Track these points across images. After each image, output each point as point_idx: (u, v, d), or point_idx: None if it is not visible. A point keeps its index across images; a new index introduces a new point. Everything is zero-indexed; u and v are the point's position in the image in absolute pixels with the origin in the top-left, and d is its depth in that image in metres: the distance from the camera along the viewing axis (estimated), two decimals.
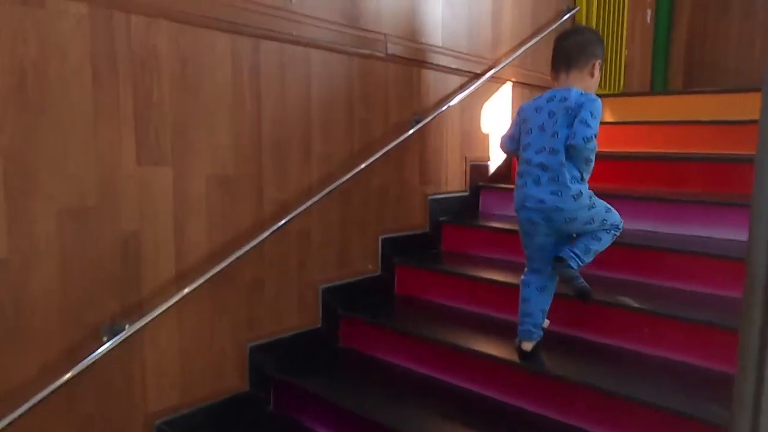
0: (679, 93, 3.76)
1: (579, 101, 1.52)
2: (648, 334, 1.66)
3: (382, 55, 2.08)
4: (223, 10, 1.58)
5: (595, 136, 1.50)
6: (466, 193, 2.60)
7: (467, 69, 2.49)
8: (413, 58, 2.23)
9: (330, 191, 1.87)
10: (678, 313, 1.63)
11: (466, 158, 2.59)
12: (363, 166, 1.97)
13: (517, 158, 1.68)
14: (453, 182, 2.54)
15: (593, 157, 1.53)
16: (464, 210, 2.56)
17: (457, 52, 2.43)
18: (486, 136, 2.70)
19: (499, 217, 2.47)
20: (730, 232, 1.99)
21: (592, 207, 1.55)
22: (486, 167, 2.72)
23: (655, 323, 1.65)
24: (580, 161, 1.52)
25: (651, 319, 1.66)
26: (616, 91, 3.67)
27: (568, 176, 1.50)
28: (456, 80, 2.46)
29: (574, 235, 1.61)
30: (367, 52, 2.03)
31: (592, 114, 1.49)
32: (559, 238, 1.60)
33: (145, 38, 1.44)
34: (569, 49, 1.62)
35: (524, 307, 1.63)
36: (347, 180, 1.93)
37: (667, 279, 1.89)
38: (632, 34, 3.93)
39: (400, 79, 2.20)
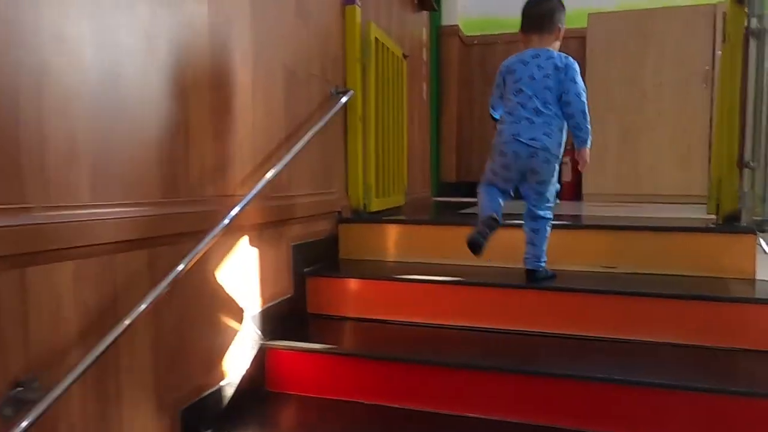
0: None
1: (564, 62, 1.75)
2: None
3: None
4: None
5: (584, 91, 1.73)
6: None
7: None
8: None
9: None
10: None
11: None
12: None
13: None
14: None
15: (587, 110, 1.72)
16: None
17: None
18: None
19: None
20: None
21: (554, 171, 1.79)
22: None
23: None
24: (578, 114, 1.72)
25: None
26: (398, 201, 2.74)
27: (557, 127, 1.74)
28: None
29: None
30: None
31: (576, 72, 1.75)
32: (520, 181, 1.80)
33: None
34: (541, 15, 1.86)
35: (486, 202, 1.81)
36: None
37: None
38: (411, 114, 3.12)
39: None
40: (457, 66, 4.43)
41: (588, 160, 1.82)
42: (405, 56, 2.76)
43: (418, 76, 3.29)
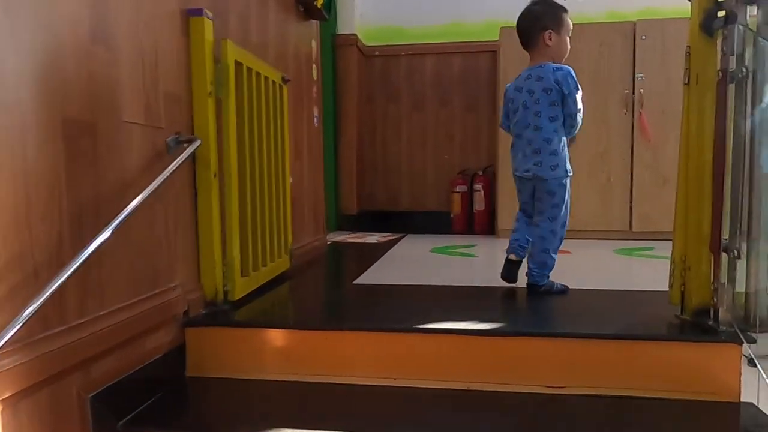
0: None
1: (555, 78, 1.78)
2: None
3: None
4: None
5: (580, 99, 1.81)
6: None
7: None
8: None
9: None
10: None
11: None
12: None
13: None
14: None
15: (577, 116, 1.81)
16: None
17: None
18: None
19: None
20: None
21: (561, 186, 1.82)
22: None
23: None
24: (575, 117, 1.81)
25: None
26: (279, 268, 2.14)
27: (548, 151, 1.79)
28: None
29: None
30: None
31: (570, 85, 1.78)
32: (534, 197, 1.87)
33: None
34: (520, 33, 1.92)
35: (514, 234, 1.95)
36: None
37: None
38: (298, 148, 2.53)
39: None
40: (356, 80, 3.88)
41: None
42: (286, 80, 2.16)
43: (307, 100, 2.70)
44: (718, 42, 1.40)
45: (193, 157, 1.56)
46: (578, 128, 1.84)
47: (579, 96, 1.79)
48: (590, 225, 3.33)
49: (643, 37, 3.21)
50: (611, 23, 3.27)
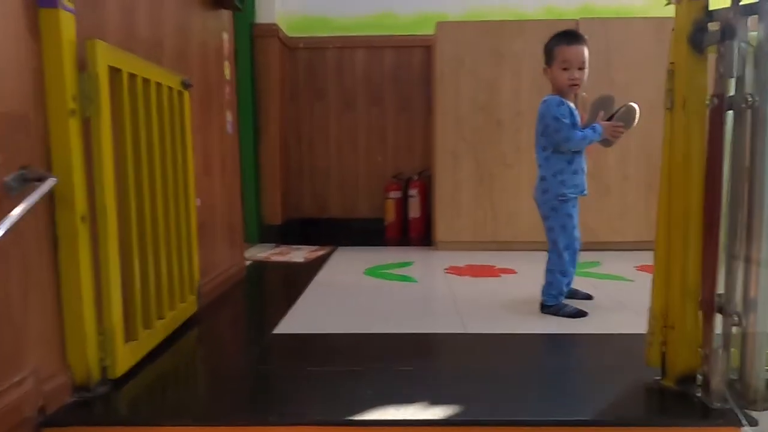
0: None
1: (540, 110, 1.94)
2: None
3: None
4: None
5: (561, 130, 1.87)
6: None
7: None
8: None
9: None
10: None
11: None
12: None
13: None
14: None
15: (569, 144, 1.88)
16: None
17: None
18: None
19: None
20: None
21: (553, 210, 1.93)
22: None
23: None
24: (563, 143, 1.89)
25: None
26: (183, 315, 1.78)
27: (539, 176, 1.97)
28: None
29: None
30: None
31: (547, 119, 1.90)
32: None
33: None
34: None
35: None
36: None
37: None
38: (207, 163, 2.15)
39: None
40: (278, 76, 3.49)
41: (611, 135, 1.92)
42: (187, 85, 1.78)
43: (218, 105, 2.31)
44: (708, 59, 1.17)
45: (50, 197, 1.17)
46: (573, 144, 1.88)
47: (562, 124, 1.86)
48: (532, 236, 3.14)
49: (587, 37, 3.01)
50: (553, 21, 3.07)
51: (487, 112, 3.11)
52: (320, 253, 3.13)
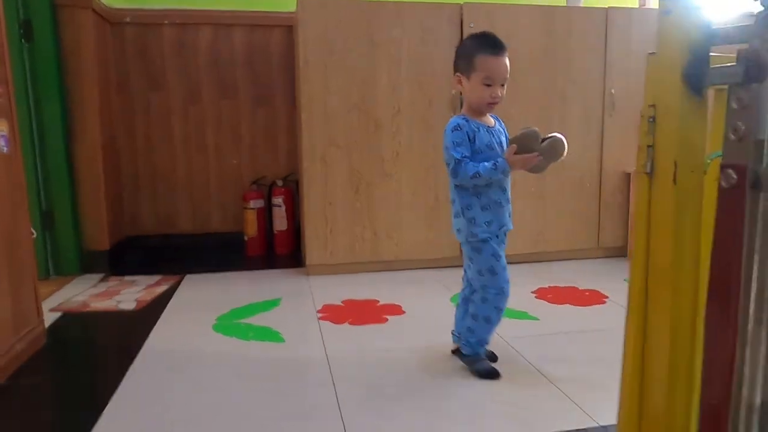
0: None
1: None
2: None
3: None
4: None
5: (456, 161, 1.50)
6: None
7: None
8: None
9: None
10: None
11: None
12: None
13: None
14: None
15: (457, 180, 1.53)
16: None
17: None
18: None
19: None
20: None
21: (475, 251, 1.57)
22: None
23: None
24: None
25: None
26: None
27: (453, 212, 1.61)
28: None
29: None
30: None
31: (444, 146, 1.56)
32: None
33: None
34: None
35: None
36: None
37: None
38: None
39: None
40: (95, 57, 2.72)
41: (523, 165, 1.51)
42: None
43: None
44: (709, 105, 0.77)
45: None
46: (462, 180, 1.53)
47: (449, 153, 1.54)
48: (416, 253, 2.75)
49: (472, 25, 2.63)
50: (435, 5, 2.63)
51: (362, 111, 2.63)
52: (161, 289, 2.49)
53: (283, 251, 3.14)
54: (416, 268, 2.77)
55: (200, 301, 2.33)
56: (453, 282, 2.53)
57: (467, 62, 1.52)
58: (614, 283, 2.48)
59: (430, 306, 2.22)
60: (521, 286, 2.41)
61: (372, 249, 2.71)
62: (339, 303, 2.26)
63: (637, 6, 3.28)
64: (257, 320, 2.08)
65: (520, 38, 2.70)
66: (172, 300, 2.34)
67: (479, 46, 1.51)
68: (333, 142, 2.62)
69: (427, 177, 2.72)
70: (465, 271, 1.68)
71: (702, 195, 0.79)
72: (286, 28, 3.14)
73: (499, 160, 1.49)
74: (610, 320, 2.05)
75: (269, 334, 1.94)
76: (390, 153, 2.68)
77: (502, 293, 1.58)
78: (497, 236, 1.58)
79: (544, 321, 2.05)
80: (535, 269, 2.73)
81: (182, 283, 2.59)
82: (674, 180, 0.78)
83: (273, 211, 3.14)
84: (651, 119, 0.81)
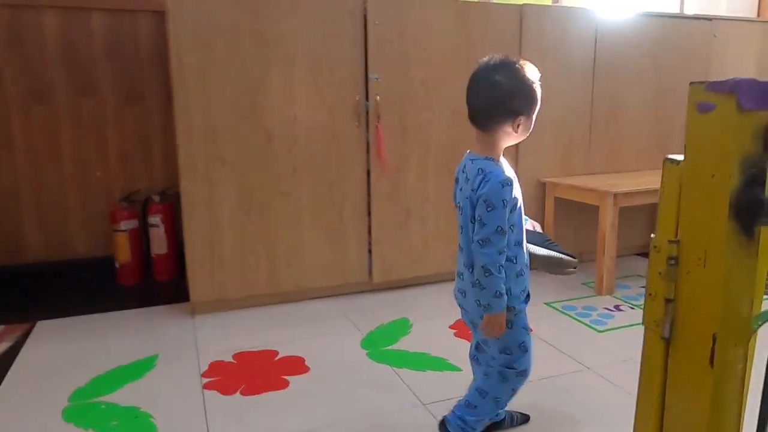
0: None
1: (477, 183, 1.21)
2: None
3: None
4: None
5: (497, 231, 1.18)
6: None
7: None
8: None
9: None
10: None
11: None
12: None
13: None
14: None
15: (493, 271, 1.20)
16: None
17: None
18: None
19: None
20: None
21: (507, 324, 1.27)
22: None
23: None
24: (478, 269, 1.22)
25: None
26: None
27: (469, 281, 1.29)
28: None
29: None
30: None
31: (487, 204, 1.19)
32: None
33: None
34: (476, 109, 1.27)
35: None
36: None
37: None
38: None
39: None
40: None
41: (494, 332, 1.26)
42: None
43: None
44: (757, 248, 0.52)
45: None
46: (487, 257, 1.21)
47: (490, 228, 1.20)
48: (319, 280, 2.43)
49: (377, 23, 2.30)
50: None
51: (253, 121, 2.23)
52: (0, 348, 1.99)
53: (164, 277, 2.70)
54: (319, 297, 2.45)
55: (52, 365, 1.86)
56: (360, 317, 2.25)
57: (531, 99, 1.25)
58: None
59: (338, 356, 1.92)
60: (435, 319, 2.17)
61: (268, 279, 2.35)
62: (229, 359, 1.90)
63: (550, 3, 3.09)
64: (124, 396, 1.67)
65: (433, 38, 2.41)
66: (14, 365, 1.86)
67: (534, 77, 1.25)
68: (217, 156, 2.20)
69: (330, 193, 2.39)
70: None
71: (742, 379, 0.54)
72: (157, 14, 2.64)
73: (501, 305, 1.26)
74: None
75: (137, 422, 1.54)
76: (286, 168, 2.31)
77: (524, 375, 1.36)
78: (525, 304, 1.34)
79: (468, 371, 1.82)
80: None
81: (31, 334, 2.10)
82: (711, 360, 0.52)
83: (150, 232, 2.67)
84: (672, 261, 0.55)
